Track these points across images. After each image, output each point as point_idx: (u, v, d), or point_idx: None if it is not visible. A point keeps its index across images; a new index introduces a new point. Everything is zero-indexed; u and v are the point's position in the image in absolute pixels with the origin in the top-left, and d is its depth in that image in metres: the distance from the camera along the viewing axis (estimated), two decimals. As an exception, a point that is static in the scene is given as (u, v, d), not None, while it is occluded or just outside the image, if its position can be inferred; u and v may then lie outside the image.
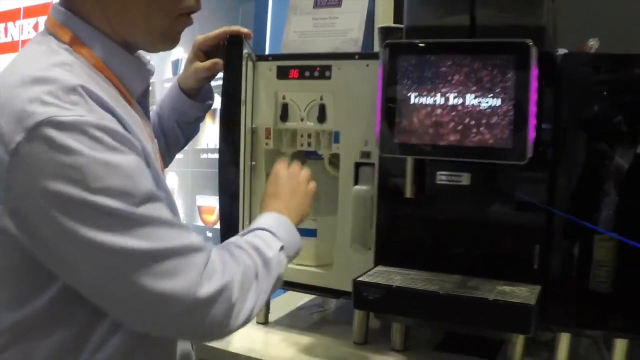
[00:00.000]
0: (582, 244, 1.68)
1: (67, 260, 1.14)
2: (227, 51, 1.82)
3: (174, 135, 1.90)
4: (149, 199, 1.16)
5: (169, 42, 1.41)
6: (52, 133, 1.08)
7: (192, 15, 1.41)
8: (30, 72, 1.16)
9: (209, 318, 1.23)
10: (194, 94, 1.86)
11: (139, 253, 1.13)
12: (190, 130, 1.93)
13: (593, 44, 1.80)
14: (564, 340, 1.70)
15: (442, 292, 1.60)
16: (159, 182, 1.28)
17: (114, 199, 1.10)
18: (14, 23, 5.69)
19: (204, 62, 1.81)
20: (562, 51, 1.78)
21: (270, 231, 1.48)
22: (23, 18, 5.61)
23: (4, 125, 1.12)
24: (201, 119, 1.93)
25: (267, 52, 3.55)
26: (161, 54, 4.21)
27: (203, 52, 1.83)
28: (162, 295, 1.16)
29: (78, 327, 1.24)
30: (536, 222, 1.69)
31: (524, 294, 1.59)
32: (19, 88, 1.14)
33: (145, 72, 1.43)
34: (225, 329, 1.27)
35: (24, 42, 5.56)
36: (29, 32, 5.52)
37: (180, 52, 4.21)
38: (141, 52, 1.46)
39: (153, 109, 1.88)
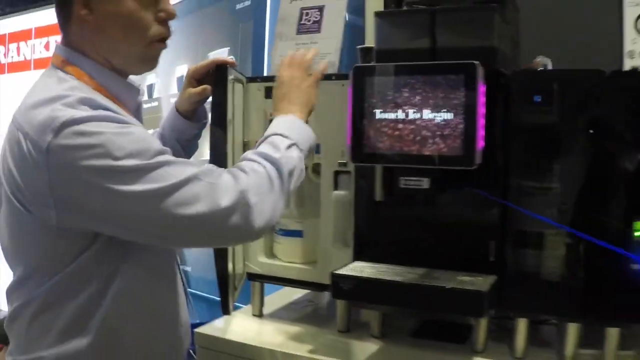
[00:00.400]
0: (535, 238, 1.85)
1: (117, 217, 1.48)
2: (215, 78, 2.01)
3: (176, 153, 2.08)
4: (160, 152, 1.48)
5: (147, 65, 1.72)
6: (75, 126, 1.41)
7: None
8: (47, 95, 1.49)
9: (234, 224, 1.51)
10: (190, 115, 2.08)
11: (165, 190, 1.45)
12: (190, 147, 2.16)
13: (540, 60, 1.98)
14: (522, 325, 1.88)
15: (405, 282, 1.78)
16: None
17: (134, 159, 1.43)
18: (26, 43, 5.92)
19: (195, 88, 2.03)
20: (545, 61, 1.99)
21: (280, 133, 1.71)
22: (34, 38, 5.83)
23: (33, 134, 1.44)
24: (198, 136, 2.15)
25: (265, 66, 3.72)
26: (167, 71, 4.39)
27: (195, 79, 2.04)
28: (195, 217, 1.47)
29: (95, 288, 1.56)
30: (491, 220, 1.86)
31: (479, 282, 1.77)
32: (40, 107, 1.46)
33: (135, 91, 1.75)
34: (250, 231, 1.55)
35: (35, 60, 5.80)
36: (40, 52, 5.75)
37: (185, 69, 4.29)
38: (131, 78, 1.75)
39: (157, 130, 2.14)
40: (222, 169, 1.58)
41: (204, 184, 1.49)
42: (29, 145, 1.44)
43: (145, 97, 4.78)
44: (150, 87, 4.80)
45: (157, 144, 1.51)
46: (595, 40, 2.55)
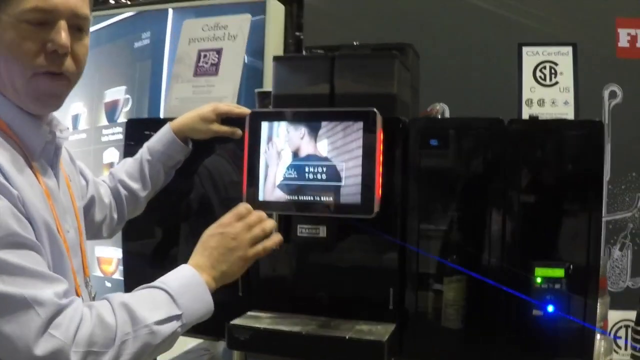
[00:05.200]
0: (434, 286, 1.86)
1: None
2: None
3: (156, 179, 2.08)
4: (10, 244, 1.30)
5: (39, 102, 1.49)
6: None
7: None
8: None
9: None
10: (186, 142, 2.07)
11: None
12: (170, 173, 2.12)
13: (439, 108, 2.01)
14: (418, 373, 1.88)
15: (304, 332, 1.76)
16: (36, 228, 1.40)
17: None
18: None
19: (222, 126, 2.05)
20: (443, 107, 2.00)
21: (172, 295, 1.48)
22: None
23: None
24: (180, 163, 2.11)
25: (161, 107, 3.68)
26: (62, 109, 4.25)
27: (221, 118, 2.05)
28: (4, 336, 1.27)
29: None
30: (390, 267, 1.86)
31: (379, 332, 1.76)
32: None
33: (43, 132, 1.53)
34: None
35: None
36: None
37: (80, 107, 4.35)
38: (55, 118, 1.60)
39: (138, 156, 2.08)
40: (70, 302, 1.35)
41: (29, 313, 1.29)
42: None
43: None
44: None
45: (10, 229, 1.33)
46: (492, 89, 2.65)
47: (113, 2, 4.25)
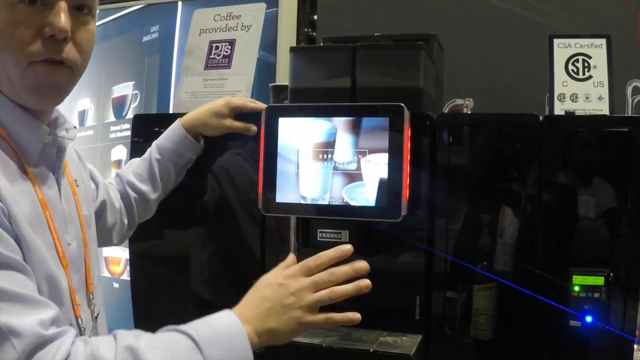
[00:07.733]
0: (463, 294, 1.77)
1: None
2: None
3: (167, 179, 1.99)
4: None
5: (35, 94, 1.32)
6: None
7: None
8: None
9: None
10: (198, 139, 1.98)
11: None
12: (181, 173, 2.04)
13: (468, 103, 1.92)
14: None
15: (324, 345, 1.65)
16: (25, 244, 1.24)
17: None
18: None
19: (235, 121, 1.97)
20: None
21: (197, 341, 1.20)
22: None
23: None
24: (191, 162, 2.02)
25: (171, 102, 3.59)
26: (68, 106, 4.21)
27: (235, 113, 1.97)
28: None
29: None
30: (416, 275, 1.77)
31: (404, 344, 1.66)
32: None
33: (41, 132, 1.36)
34: None
35: None
36: None
37: (87, 103, 4.27)
38: (62, 115, 1.44)
39: (147, 155, 1.98)
40: (61, 335, 1.16)
41: (4, 344, 1.11)
42: None
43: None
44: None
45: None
46: (512, 84, 2.57)
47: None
